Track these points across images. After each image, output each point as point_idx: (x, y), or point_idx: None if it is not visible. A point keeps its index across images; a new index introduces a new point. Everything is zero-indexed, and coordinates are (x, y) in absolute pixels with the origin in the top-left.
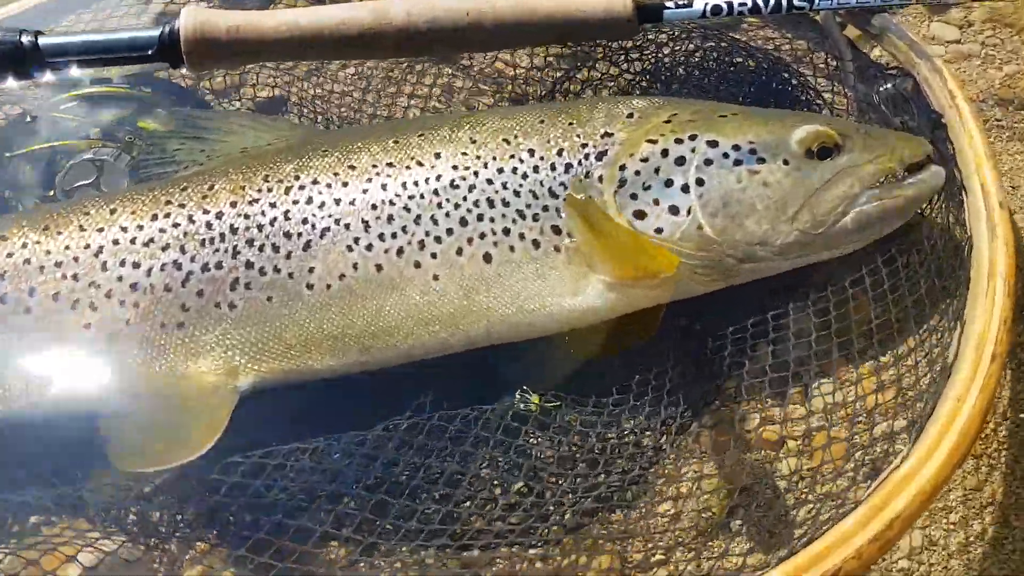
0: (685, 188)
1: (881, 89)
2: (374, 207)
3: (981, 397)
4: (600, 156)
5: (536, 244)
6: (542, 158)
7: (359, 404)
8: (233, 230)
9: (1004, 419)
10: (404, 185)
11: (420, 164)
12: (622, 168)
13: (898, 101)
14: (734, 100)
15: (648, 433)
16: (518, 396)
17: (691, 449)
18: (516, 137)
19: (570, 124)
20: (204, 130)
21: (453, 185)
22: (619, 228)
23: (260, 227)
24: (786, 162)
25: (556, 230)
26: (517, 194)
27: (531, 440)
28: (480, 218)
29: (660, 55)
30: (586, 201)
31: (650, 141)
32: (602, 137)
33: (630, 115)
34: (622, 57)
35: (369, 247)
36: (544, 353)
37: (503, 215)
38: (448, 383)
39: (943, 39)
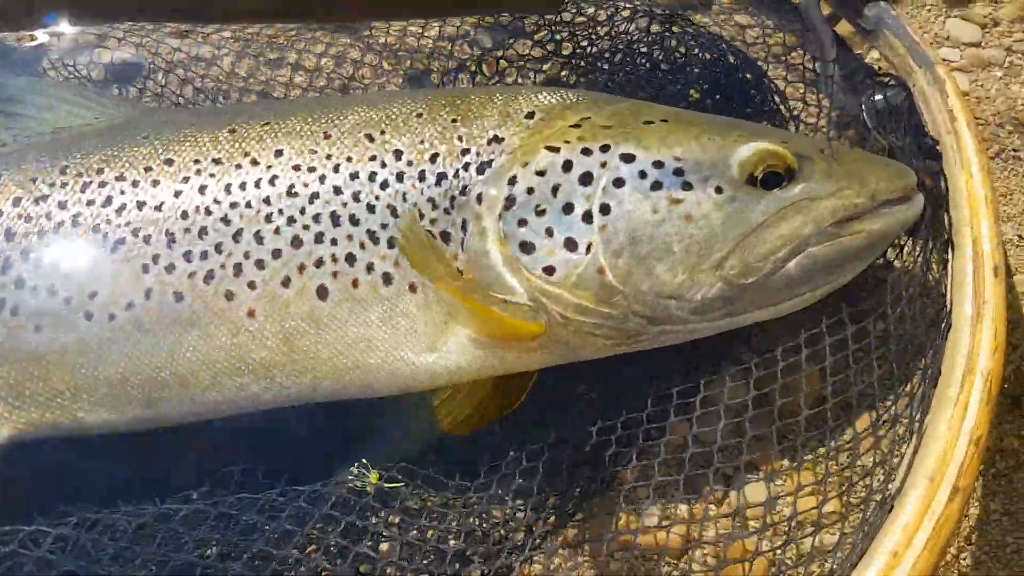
0: (587, 216)
1: (868, 100)
2: (184, 216)
3: (927, 554)
4: (483, 167)
5: (387, 279)
6: (410, 163)
7: (146, 463)
8: (8, 235)
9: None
10: (228, 189)
11: (255, 162)
12: (511, 182)
13: (887, 117)
14: (680, 102)
15: (517, 525)
16: (354, 471)
17: (570, 548)
18: (383, 133)
19: (453, 121)
20: (16, 103)
21: (290, 192)
22: (460, 281)
23: (41, 234)
24: (719, 190)
25: None
26: (371, 209)
27: (369, 521)
28: (319, 239)
29: (595, 36)
30: (419, 239)
31: (550, 149)
32: (490, 142)
33: (530, 114)
34: (548, 36)
35: (170, 268)
36: (398, 414)
37: (349, 237)
38: (269, 442)
39: (959, 40)
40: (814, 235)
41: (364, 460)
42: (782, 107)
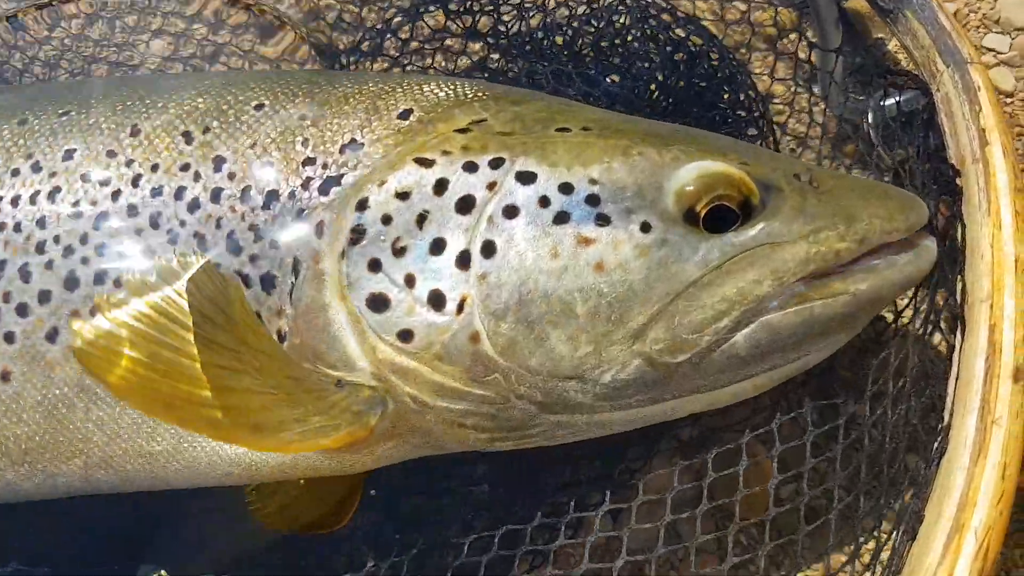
0: (464, 260)
1: (876, 106)
2: None
3: None
4: (329, 185)
5: None
6: (232, 176)
7: None
8: None
9: None
10: None
11: (36, 167)
12: (360, 206)
13: (900, 131)
14: (626, 104)
15: None
16: None
17: None
18: (206, 132)
19: (301, 118)
20: None
21: (74, 213)
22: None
23: None
24: (646, 228)
25: None
26: (172, 239)
27: None
28: (100, 279)
29: (527, 11)
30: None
31: (421, 162)
32: (343, 149)
33: (406, 112)
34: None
35: None
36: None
37: (140, 276)
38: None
39: (1011, 24)
40: (774, 297)
41: (162, 571)
42: (760, 111)
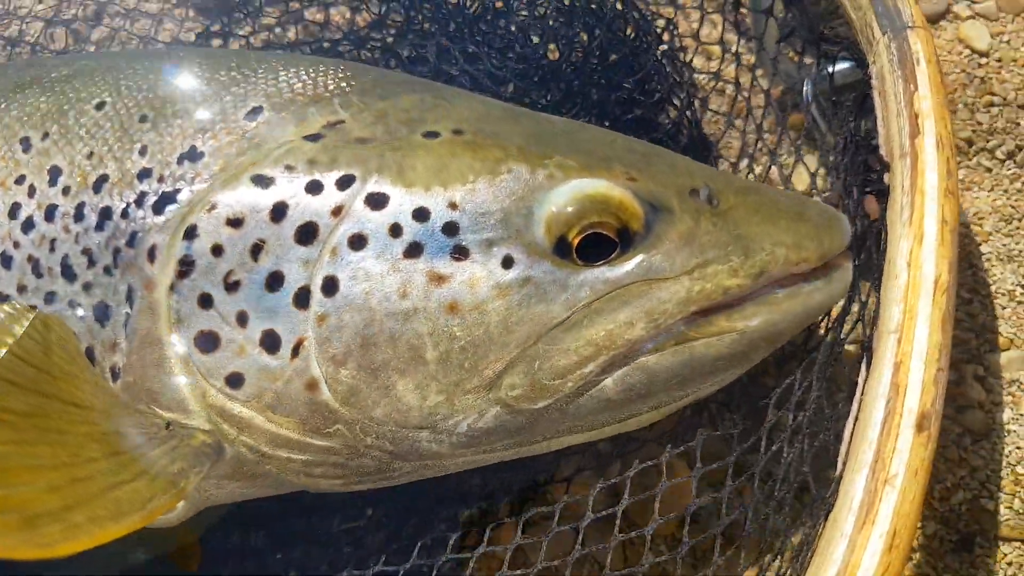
0: (302, 297)
1: (815, 78)
2: None
3: None
4: (164, 203)
5: None
6: (66, 191)
7: None
8: None
9: None
10: None
11: None
12: (189, 235)
13: (833, 107)
14: (522, 79)
15: None
16: None
17: None
18: (44, 138)
19: (141, 120)
20: None
21: None
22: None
23: None
24: (508, 263)
25: None
26: (6, 263)
27: None
28: None
29: None
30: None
31: (258, 181)
32: (181, 159)
33: (254, 112)
34: None
35: None
36: None
37: None
38: None
39: None
40: (648, 340)
41: None
42: (683, 83)
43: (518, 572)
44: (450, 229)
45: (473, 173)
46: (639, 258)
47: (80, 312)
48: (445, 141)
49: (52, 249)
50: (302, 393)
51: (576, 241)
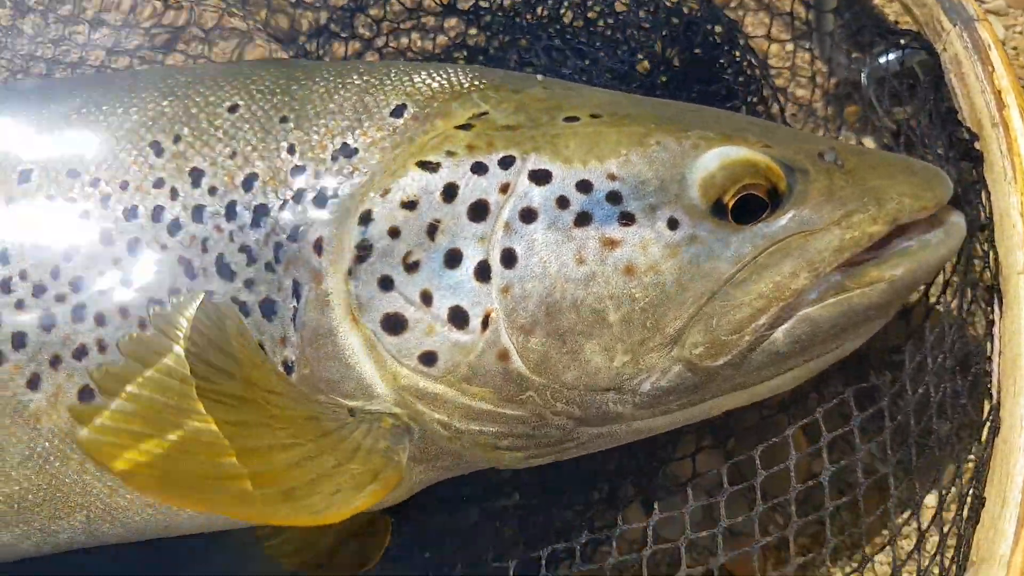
0: (482, 271)
1: (873, 64)
2: None
3: None
4: (324, 197)
5: None
6: (213, 191)
7: None
8: None
9: None
10: None
11: None
12: (364, 220)
13: (903, 90)
14: (623, 81)
15: None
16: None
17: None
18: (177, 141)
19: (282, 120)
20: None
21: (37, 244)
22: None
23: None
24: (674, 224)
25: None
26: (157, 266)
27: None
28: (78, 316)
29: None
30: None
31: (424, 167)
32: (336, 156)
33: (398, 109)
34: None
35: None
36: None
37: (123, 311)
38: None
39: None
40: (811, 289)
41: None
42: (763, 77)
43: (666, 545)
44: (614, 198)
45: (623, 147)
46: (791, 213)
47: (244, 309)
48: (587, 123)
49: (204, 249)
50: (495, 364)
51: (731, 203)
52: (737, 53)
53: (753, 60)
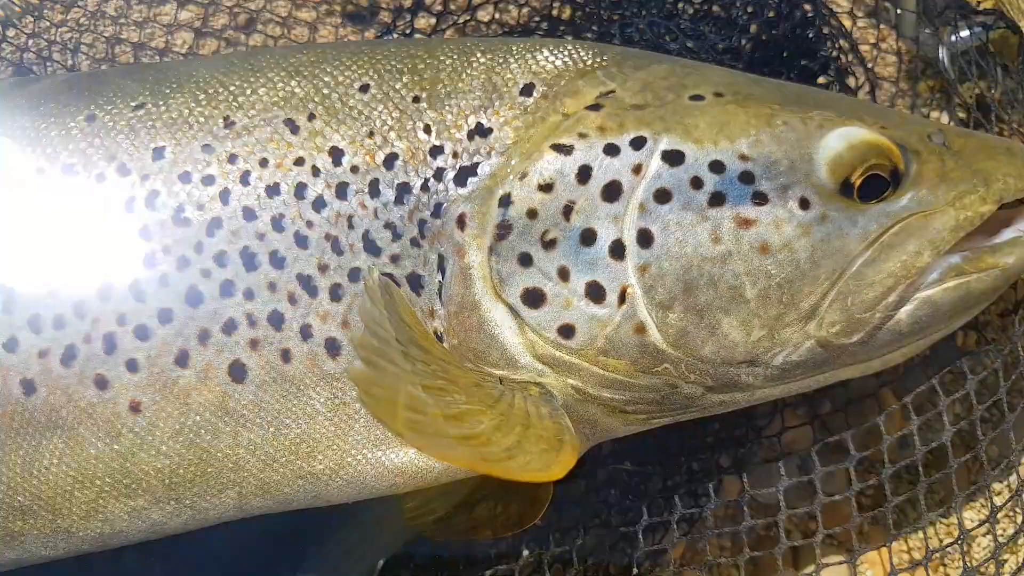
0: (618, 249)
1: (953, 39)
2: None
3: None
4: (464, 175)
5: (333, 347)
6: (355, 169)
7: None
8: None
9: None
10: (87, 216)
11: (123, 170)
12: (504, 202)
13: (981, 64)
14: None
15: None
16: None
17: None
18: (312, 119)
19: (415, 100)
20: None
21: (179, 219)
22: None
23: None
24: (805, 204)
25: None
26: (302, 242)
27: None
28: (227, 290)
29: None
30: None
31: (558, 149)
32: (472, 135)
33: (528, 88)
34: None
35: (11, 345)
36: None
37: (271, 286)
38: (186, 566)
39: None
40: (933, 268)
41: None
42: (847, 53)
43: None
44: (746, 178)
45: (752, 127)
46: (911, 194)
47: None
48: (712, 103)
49: (350, 226)
50: (632, 337)
51: (858, 182)
52: (825, 29)
53: (841, 40)
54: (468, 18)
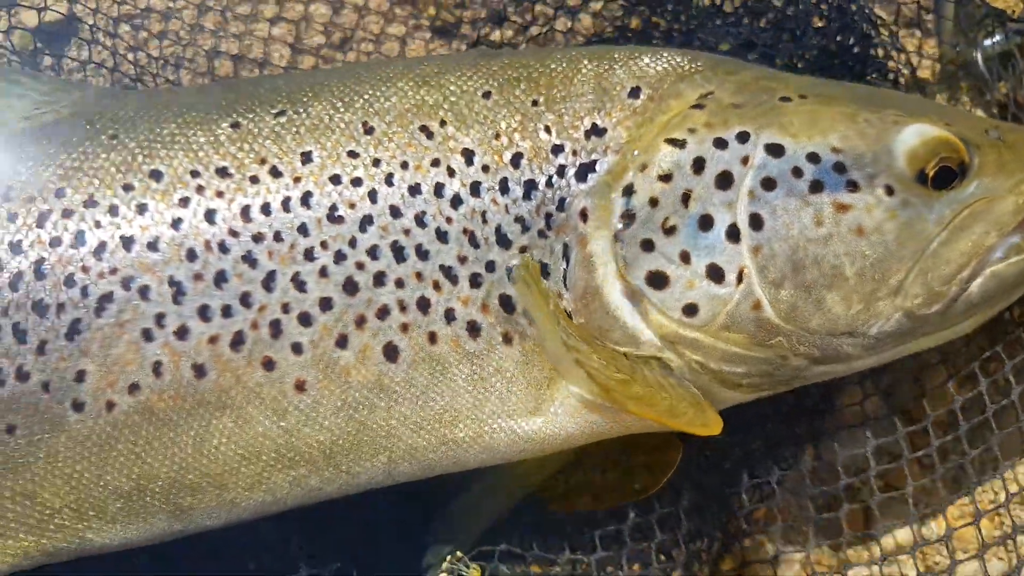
0: (733, 233)
1: (988, 43)
2: (192, 256)
3: None
4: (585, 172)
5: (473, 329)
6: (486, 168)
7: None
8: None
9: None
10: (246, 214)
11: (275, 173)
12: (627, 192)
13: (1013, 66)
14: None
15: None
16: (446, 565)
17: None
18: (443, 125)
19: (533, 104)
20: None
21: (333, 217)
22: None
23: None
24: (890, 191)
25: (508, 305)
26: (443, 236)
27: None
28: (379, 280)
29: None
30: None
31: (673, 143)
32: (588, 135)
33: (634, 91)
34: None
35: (182, 332)
36: (486, 487)
37: (418, 275)
38: (321, 534)
39: None
40: (997, 248)
41: (456, 551)
42: (891, 53)
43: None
44: (839, 168)
45: (839, 124)
46: (976, 182)
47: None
48: (799, 103)
49: (484, 221)
50: (749, 313)
51: (932, 172)
52: (872, 34)
53: (887, 44)
54: (547, 29)
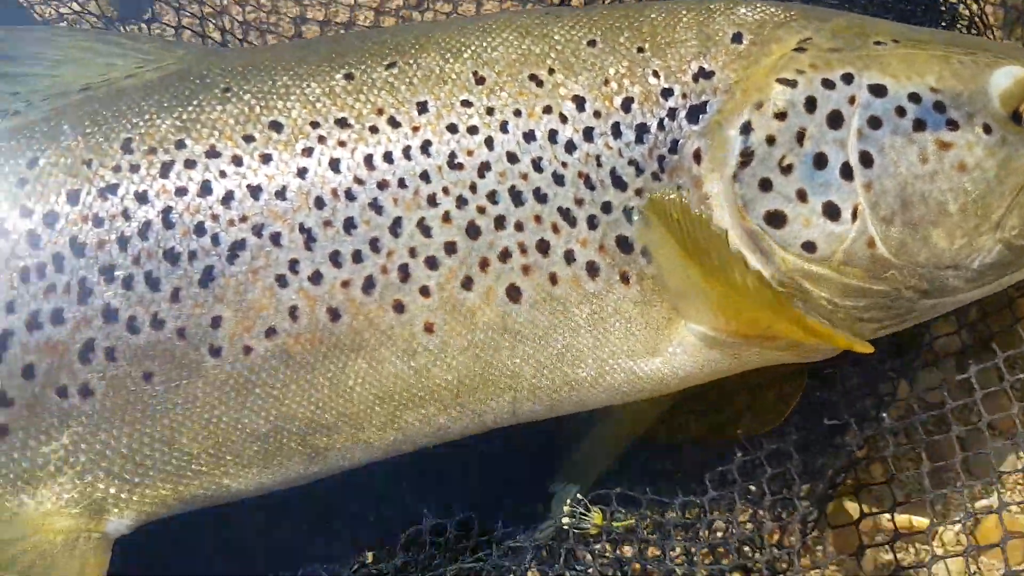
0: (847, 171)
1: None
2: (320, 204)
3: None
4: (695, 114)
5: (592, 270)
6: (597, 114)
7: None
8: (77, 248)
9: None
10: (369, 162)
11: (394, 123)
12: (745, 130)
13: None
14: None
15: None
16: (567, 509)
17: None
18: (552, 73)
19: (639, 51)
20: (14, 60)
21: (453, 164)
22: (745, 271)
23: (123, 241)
24: (988, 129)
25: (624, 245)
26: (559, 180)
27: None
28: (500, 224)
29: None
30: (679, 206)
31: (784, 82)
32: (696, 78)
33: (737, 36)
34: None
35: (316, 278)
36: (604, 430)
37: (537, 218)
38: (446, 479)
39: None
40: None
41: (579, 496)
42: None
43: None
44: (939, 107)
45: (935, 65)
46: None
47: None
48: (893, 47)
49: (599, 164)
50: (864, 249)
51: None
52: None
53: None
54: None
